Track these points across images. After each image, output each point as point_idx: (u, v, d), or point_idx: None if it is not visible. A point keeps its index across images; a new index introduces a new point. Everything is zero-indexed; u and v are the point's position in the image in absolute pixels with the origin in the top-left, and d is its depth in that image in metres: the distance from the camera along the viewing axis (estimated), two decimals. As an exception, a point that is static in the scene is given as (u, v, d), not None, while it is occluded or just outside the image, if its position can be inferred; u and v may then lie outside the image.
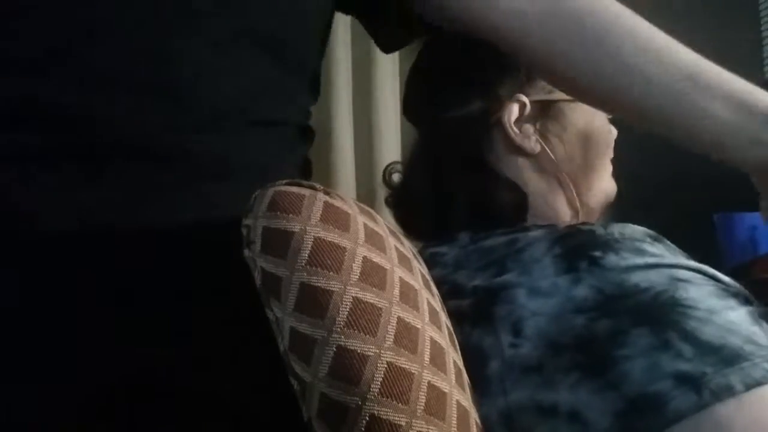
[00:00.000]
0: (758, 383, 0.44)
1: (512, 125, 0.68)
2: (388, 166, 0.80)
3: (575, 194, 0.69)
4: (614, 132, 0.75)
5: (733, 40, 1.71)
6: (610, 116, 0.74)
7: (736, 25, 1.73)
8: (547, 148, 0.68)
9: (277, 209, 0.51)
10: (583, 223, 0.64)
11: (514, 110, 0.68)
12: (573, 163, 0.69)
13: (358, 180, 1.39)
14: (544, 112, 0.69)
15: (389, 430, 0.45)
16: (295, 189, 0.53)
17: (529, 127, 0.68)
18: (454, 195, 0.67)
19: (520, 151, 0.68)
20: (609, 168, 0.75)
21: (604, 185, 0.73)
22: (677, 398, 0.44)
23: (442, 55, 0.73)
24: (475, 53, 0.69)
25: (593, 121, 0.71)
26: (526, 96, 0.68)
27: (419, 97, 0.76)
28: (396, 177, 0.78)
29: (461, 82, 0.70)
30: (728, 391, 0.44)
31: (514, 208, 0.66)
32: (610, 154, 0.74)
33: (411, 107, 0.78)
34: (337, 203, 0.53)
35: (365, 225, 0.53)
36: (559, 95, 0.69)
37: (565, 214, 0.70)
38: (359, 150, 1.39)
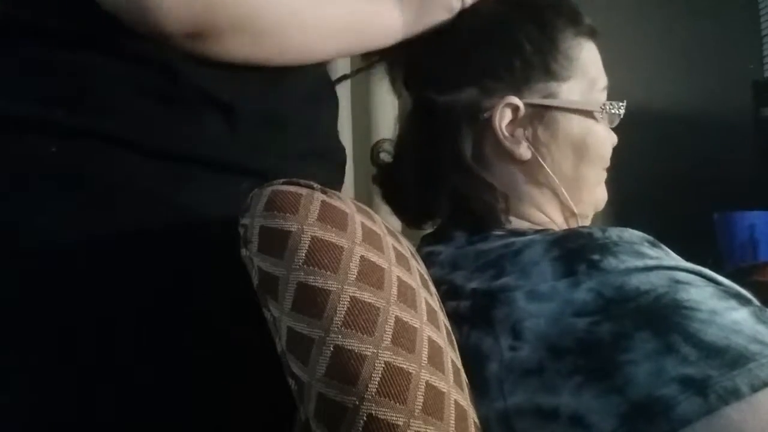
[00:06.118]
0: (765, 384, 0.43)
1: (503, 129, 0.65)
2: (376, 143, 0.78)
3: (568, 202, 0.68)
4: (614, 140, 0.72)
5: (733, 40, 1.71)
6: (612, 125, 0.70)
7: (736, 25, 1.72)
8: (538, 156, 0.66)
9: (274, 208, 0.50)
10: (581, 227, 0.63)
11: (507, 113, 0.65)
12: (563, 174, 0.67)
13: (356, 179, 1.39)
14: (538, 118, 0.66)
15: (387, 430, 0.45)
16: (292, 188, 0.52)
17: (521, 133, 0.66)
18: (437, 190, 0.66)
19: (509, 156, 0.66)
20: (602, 178, 0.72)
21: (594, 197, 0.71)
22: (683, 403, 0.44)
23: (447, 36, 0.70)
24: (479, 39, 0.68)
25: (590, 132, 0.67)
26: (521, 99, 0.65)
27: (418, 71, 0.73)
28: (383, 156, 0.76)
29: (458, 63, 0.68)
30: (735, 395, 0.43)
31: (495, 213, 0.65)
32: (605, 164, 0.71)
33: (410, 79, 0.75)
34: (335, 202, 0.52)
35: (363, 224, 0.53)
36: (555, 101, 0.66)
37: (557, 220, 0.69)
38: (357, 150, 1.39)
